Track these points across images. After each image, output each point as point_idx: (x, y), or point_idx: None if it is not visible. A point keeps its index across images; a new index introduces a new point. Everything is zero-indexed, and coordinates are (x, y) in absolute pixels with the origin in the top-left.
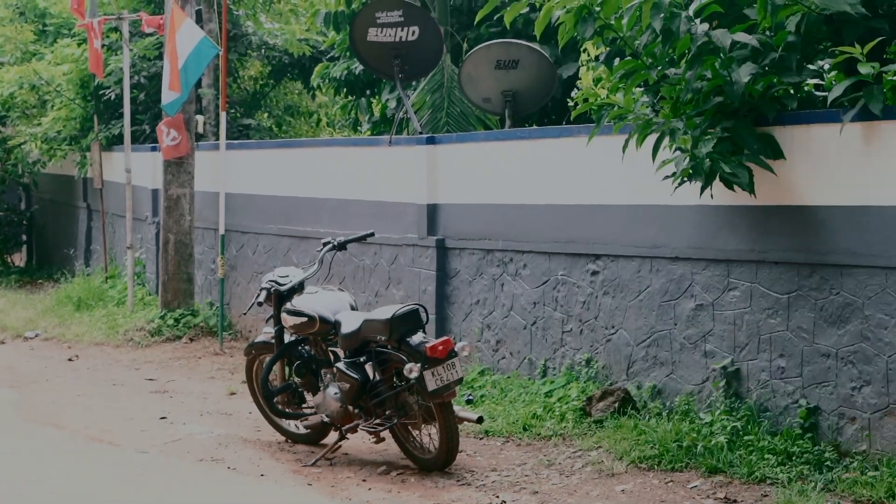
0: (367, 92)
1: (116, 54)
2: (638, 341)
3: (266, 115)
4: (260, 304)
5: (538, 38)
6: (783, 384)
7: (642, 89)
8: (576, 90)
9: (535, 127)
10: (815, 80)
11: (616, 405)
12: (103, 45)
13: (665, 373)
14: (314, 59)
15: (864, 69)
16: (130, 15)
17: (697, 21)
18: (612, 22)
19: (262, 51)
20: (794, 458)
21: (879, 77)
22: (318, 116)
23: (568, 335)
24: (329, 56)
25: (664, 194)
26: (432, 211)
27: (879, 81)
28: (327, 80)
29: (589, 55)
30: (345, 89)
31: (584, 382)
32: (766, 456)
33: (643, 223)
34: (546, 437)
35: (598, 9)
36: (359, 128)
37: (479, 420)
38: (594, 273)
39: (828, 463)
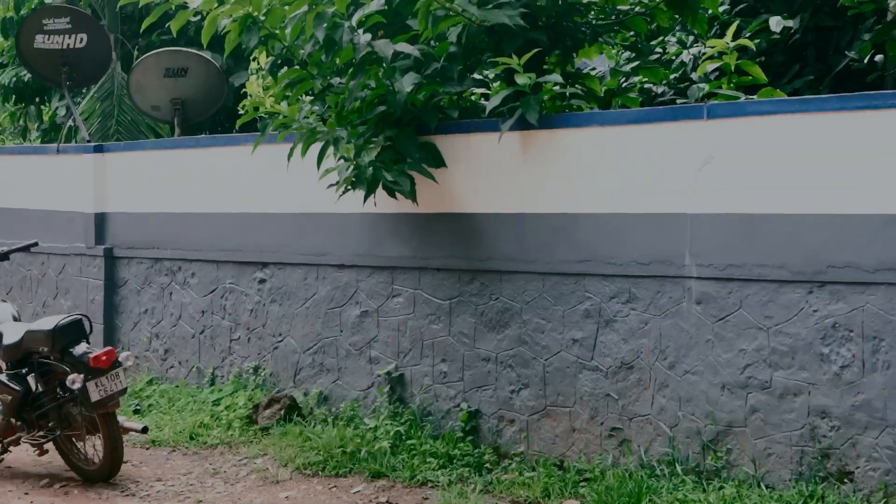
0: (37, 99)
1: None
2: (305, 348)
3: None
4: None
5: (205, 46)
6: (445, 388)
7: (311, 98)
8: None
9: (204, 135)
10: (482, 90)
11: (282, 412)
12: None
13: (331, 379)
14: None
15: (521, 80)
16: None
17: (360, 31)
18: (277, 31)
19: None
20: (455, 460)
21: (538, 87)
22: None
23: (236, 343)
24: None
25: (330, 202)
26: (100, 220)
27: (537, 91)
28: None
29: (259, 64)
30: (13, 96)
31: (252, 390)
32: (427, 459)
33: (310, 231)
34: (212, 445)
35: (262, 18)
36: (28, 136)
37: (144, 430)
38: (262, 281)
39: (487, 465)
